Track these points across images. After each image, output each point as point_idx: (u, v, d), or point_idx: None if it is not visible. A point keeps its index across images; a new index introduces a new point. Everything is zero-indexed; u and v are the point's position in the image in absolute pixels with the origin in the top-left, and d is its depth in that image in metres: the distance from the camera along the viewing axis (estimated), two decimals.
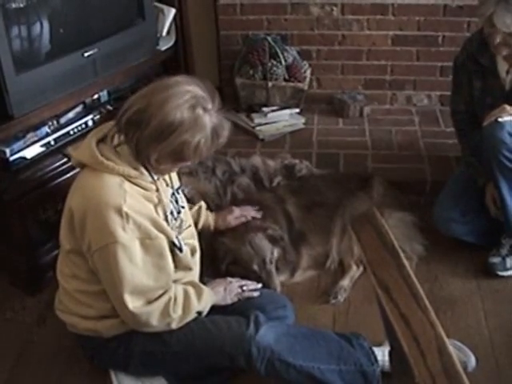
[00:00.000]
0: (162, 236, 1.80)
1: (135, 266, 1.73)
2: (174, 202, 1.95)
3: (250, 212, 2.44)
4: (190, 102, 1.69)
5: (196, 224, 2.26)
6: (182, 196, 2.05)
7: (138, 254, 1.74)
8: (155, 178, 1.84)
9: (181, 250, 1.89)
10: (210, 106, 1.73)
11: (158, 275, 1.79)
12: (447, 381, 0.95)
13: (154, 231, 1.77)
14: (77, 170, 2.37)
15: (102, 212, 1.70)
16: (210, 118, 1.72)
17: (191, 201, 2.38)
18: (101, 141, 1.81)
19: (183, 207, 2.02)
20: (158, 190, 1.85)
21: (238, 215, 2.41)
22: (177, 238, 1.88)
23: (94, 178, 1.76)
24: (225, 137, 1.78)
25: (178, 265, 1.90)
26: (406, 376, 1.03)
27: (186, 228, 2.00)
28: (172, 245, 1.86)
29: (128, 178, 1.76)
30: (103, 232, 1.70)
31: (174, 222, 1.91)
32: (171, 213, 1.90)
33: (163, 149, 1.71)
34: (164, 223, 1.83)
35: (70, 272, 1.90)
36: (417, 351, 1.01)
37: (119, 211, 1.70)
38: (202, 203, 2.39)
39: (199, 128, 1.70)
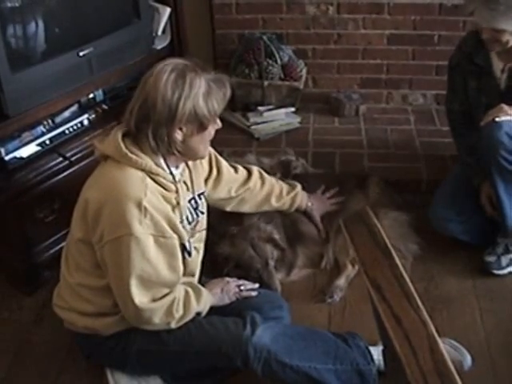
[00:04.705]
0: (175, 236, 1.81)
1: (146, 261, 1.73)
2: (192, 208, 1.96)
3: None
4: (177, 72, 1.73)
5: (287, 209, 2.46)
6: (204, 202, 2.06)
7: (150, 250, 1.73)
8: (176, 178, 1.85)
9: (190, 254, 1.90)
10: (195, 67, 1.77)
11: (168, 274, 1.79)
12: (439, 379, 0.95)
13: (169, 230, 1.78)
14: (74, 167, 2.43)
15: (120, 203, 1.70)
16: (201, 74, 1.77)
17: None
18: (126, 135, 1.81)
19: (202, 213, 2.03)
20: (177, 191, 1.85)
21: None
22: (188, 241, 1.89)
23: (117, 170, 1.76)
24: (227, 85, 1.84)
25: (184, 271, 1.90)
26: (399, 375, 1.03)
27: (200, 231, 2.01)
28: (182, 247, 1.86)
29: (149, 174, 1.77)
30: (119, 223, 1.70)
31: (188, 226, 1.92)
32: (186, 217, 1.91)
33: (180, 121, 1.73)
34: (179, 224, 1.83)
35: (75, 263, 1.90)
36: (408, 350, 1.01)
37: (139, 204, 1.70)
38: (299, 187, 2.48)
39: (197, 85, 1.74)
